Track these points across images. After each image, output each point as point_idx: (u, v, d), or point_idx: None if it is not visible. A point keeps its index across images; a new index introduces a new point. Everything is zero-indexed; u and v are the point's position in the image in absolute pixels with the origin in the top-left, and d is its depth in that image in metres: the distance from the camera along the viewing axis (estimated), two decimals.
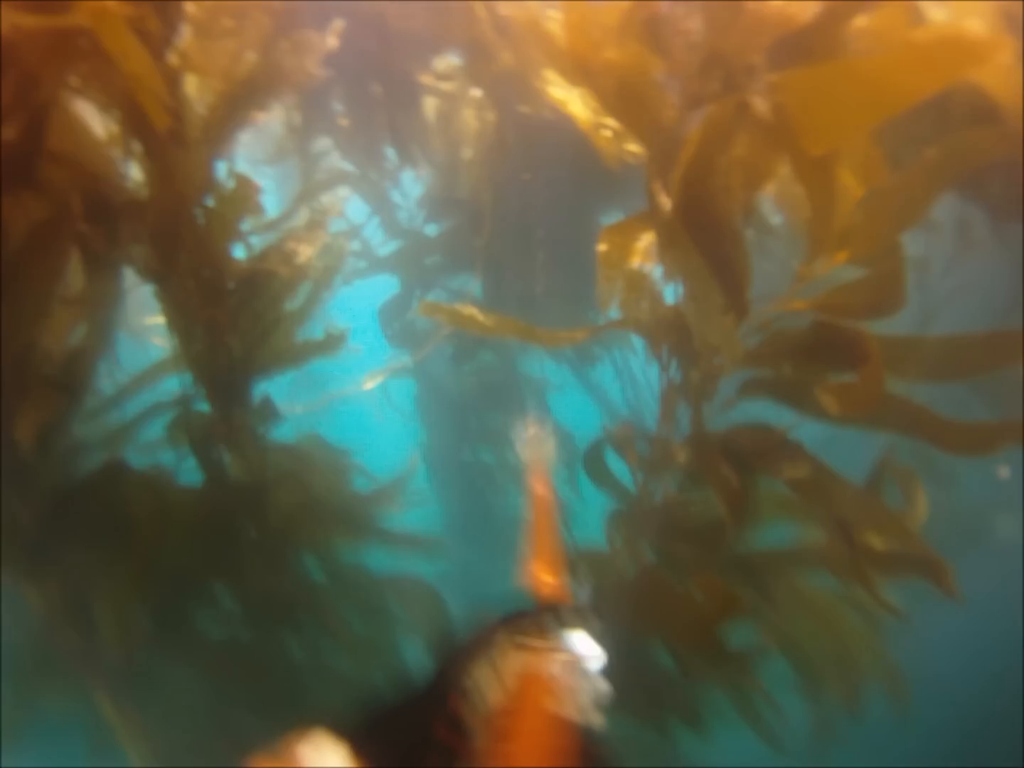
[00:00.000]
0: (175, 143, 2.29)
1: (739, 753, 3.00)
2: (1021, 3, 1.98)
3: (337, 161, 3.73)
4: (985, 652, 4.49)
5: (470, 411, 4.50)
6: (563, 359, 4.23)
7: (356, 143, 3.58)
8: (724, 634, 2.31)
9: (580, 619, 1.20)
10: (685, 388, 2.42)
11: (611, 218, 3.87)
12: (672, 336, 2.38)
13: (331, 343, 2.69)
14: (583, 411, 3.44)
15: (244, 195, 2.49)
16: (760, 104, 2.00)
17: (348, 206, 3.86)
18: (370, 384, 3.19)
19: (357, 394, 3.44)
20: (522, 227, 3.67)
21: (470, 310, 2.35)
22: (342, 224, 3.64)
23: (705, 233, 2.12)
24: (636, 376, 4.28)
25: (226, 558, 2.76)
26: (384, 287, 4.22)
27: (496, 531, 4.69)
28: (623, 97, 2.17)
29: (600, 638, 2.38)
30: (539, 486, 1.89)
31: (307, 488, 2.80)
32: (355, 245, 4.01)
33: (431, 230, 4.14)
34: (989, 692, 4.55)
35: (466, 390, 4.46)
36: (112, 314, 2.58)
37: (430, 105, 3.67)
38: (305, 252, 2.61)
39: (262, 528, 2.75)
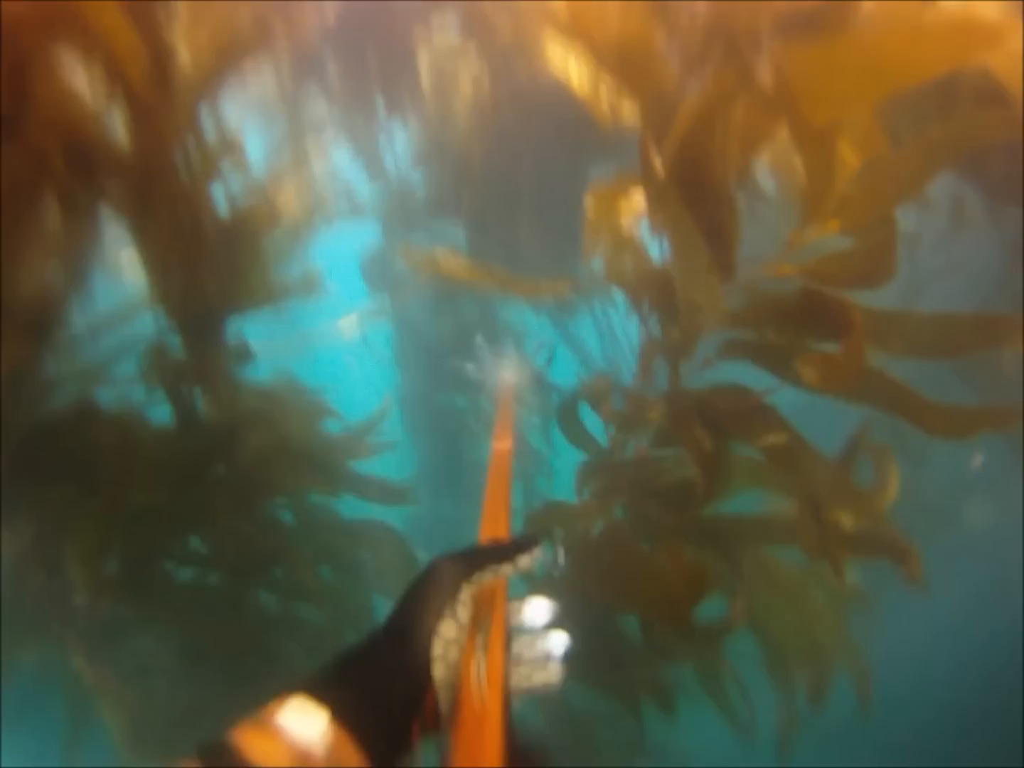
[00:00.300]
0: (157, 89, 2.21)
1: (705, 737, 3.03)
2: None
3: (324, 105, 3.66)
4: (948, 640, 4.54)
5: (446, 357, 4.47)
6: (543, 311, 4.20)
7: (345, 88, 3.50)
8: (691, 603, 2.31)
9: (529, 548, 1.16)
10: (664, 344, 2.41)
11: (602, 175, 3.84)
12: (654, 292, 2.36)
13: (307, 283, 2.65)
14: (562, 364, 3.42)
15: (225, 144, 2.45)
16: (762, 69, 1.97)
17: (333, 149, 3.80)
18: (348, 328, 3.16)
19: (334, 337, 3.41)
20: (510, 180, 3.61)
21: (453, 258, 2.32)
22: (326, 165, 3.58)
23: (697, 193, 2.08)
24: (615, 331, 4.27)
25: (196, 499, 2.73)
26: (366, 234, 4.17)
27: (467, 477, 4.71)
28: (623, 66, 2.11)
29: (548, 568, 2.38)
30: (501, 435, 1.87)
31: (279, 430, 2.77)
32: (338, 187, 3.95)
33: (417, 176, 4.07)
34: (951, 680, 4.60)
35: (444, 336, 4.42)
36: (88, 252, 2.48)
37: (423, 55, 3.59)
38: (286, 192, 2.56)
39: (233, 469, 2.73)
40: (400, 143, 4.00)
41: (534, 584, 2.54)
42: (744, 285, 2.21)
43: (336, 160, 3.93)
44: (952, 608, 4.17)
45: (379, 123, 3.84)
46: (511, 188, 3.66)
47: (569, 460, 2.71)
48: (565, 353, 4.06)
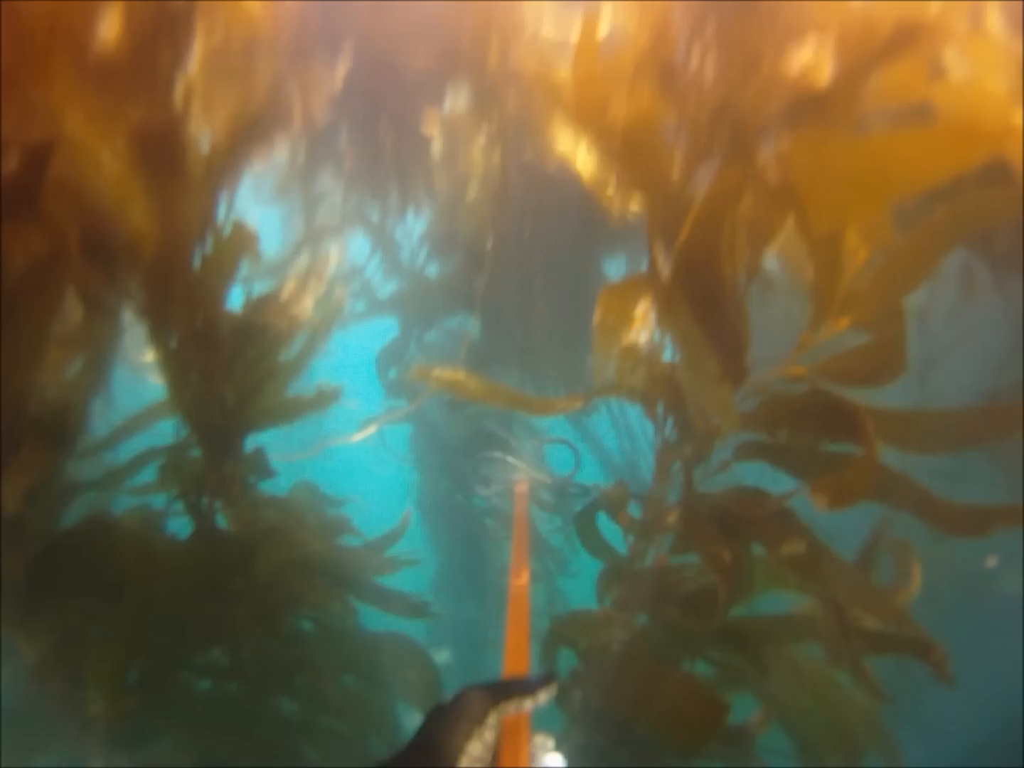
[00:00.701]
0: (177, 182, 2.25)
1: None
2: None
3: (340, 200, 3.71)
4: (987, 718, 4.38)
5: (465, 456, 4.47)
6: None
7: (360, 180, 3.56)
8: (708, 730, 2.27)
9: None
10: (680, 450, 2.40)
11: (614, 264, 3.86)
12: (668, 397, 2.36)
13: (324, 399, 2.68)
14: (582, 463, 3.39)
15: (241, 241, 2.46)
16: (769, 165, 1.98)
17: (349, 244, 3.84)
18: (365, 433, 3.17)
19: (351, 436, 3.41)
20: (523, 270, 3.65)
21: (463, 375, 2.35)
22: (342, 259, 3.61)
23: (705, 297, 2.10)
24: (633, 427, 4.26)
25: (215, 612, 2.72)
26: (382, 327, 4.20)
27: (489, 578, 4.67)
28: (629, 152, 2.13)
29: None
30: (518, 570, 1.89)
31: (297, 544, 2.77)
32: (355, 285, 4.00)
33: (432, 270, 4.13)
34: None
35: (461, 434, 4.41)
36: (109, 354, 2.53)
37: (436, 143, 3.63)
38: (303, 302, 2.58)
39: (251, 582, 2.72)
40: (414, 231, 4.05)
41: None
42: (756, 387, 2.22)
43: (352, 252, 3.99)
44: (989, 684, 4.04)
45: (393, 211, 3.87)
46: (524, 276, 3.70)
47: (590, 560, 2.69)
48: (584, 450, 4.07)
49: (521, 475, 2.89)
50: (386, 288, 4.23)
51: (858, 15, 1.76)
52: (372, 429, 3.14)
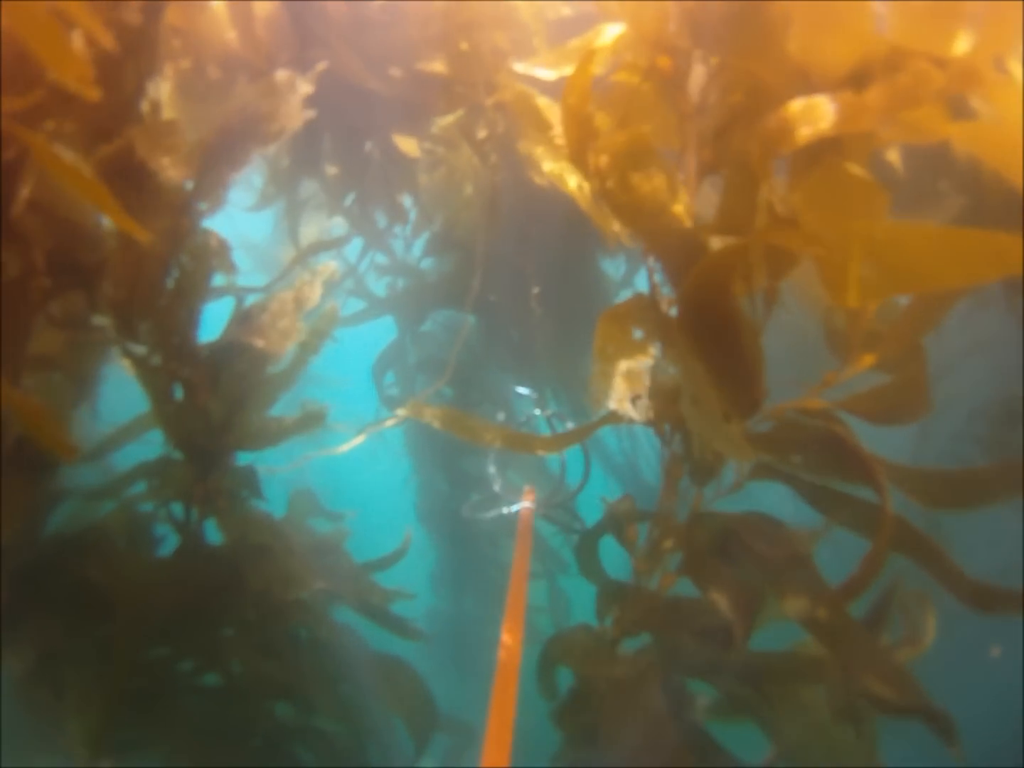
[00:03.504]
0: (147, 200, 2.13)
1: None
2: None
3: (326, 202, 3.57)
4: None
5: (464, 456, 4.39)
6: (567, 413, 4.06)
7: (346, 190, 3.41)
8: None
9: None
10: (688, 466, 2.29)
11: (614, 263, 3.73)
12: (673, 421, 2.25)
13: (310, 420, 2.58)
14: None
15: (211, 252, 2.34)
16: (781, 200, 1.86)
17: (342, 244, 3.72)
18: (358, 440, 3.06)
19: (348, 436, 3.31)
20: (519, 270, 3.53)
21: (457, 415, 2.25)
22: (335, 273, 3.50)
23: (714, 331, 1.97)
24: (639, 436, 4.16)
25: (201, 630, 2.67)
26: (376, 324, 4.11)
27: (488, 575, 4.61)
28: (622, 189, 1.98)
29: None
30: (511, 626, 1.79)
31: (288, 572, 2.68)
32: (347, 284, 3.90)
33: (427, 269, 4.01)
34: None
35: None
36: (94, 370, 2.48)
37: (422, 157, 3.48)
38: (292, 316, 2.45)
39: (238, 601, 2.66)
40: (406, 231, 3.91)
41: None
42: (771, 414, 2.11)
43: (345, 252, 3.88)
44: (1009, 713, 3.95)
45: (383, 216, 3.74)
46: (520, 276, 3.58)
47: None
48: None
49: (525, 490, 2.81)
50: (379, 287, 4.15)
51: (877, 56, 1.61)
52: (366, 434, 3.04)
